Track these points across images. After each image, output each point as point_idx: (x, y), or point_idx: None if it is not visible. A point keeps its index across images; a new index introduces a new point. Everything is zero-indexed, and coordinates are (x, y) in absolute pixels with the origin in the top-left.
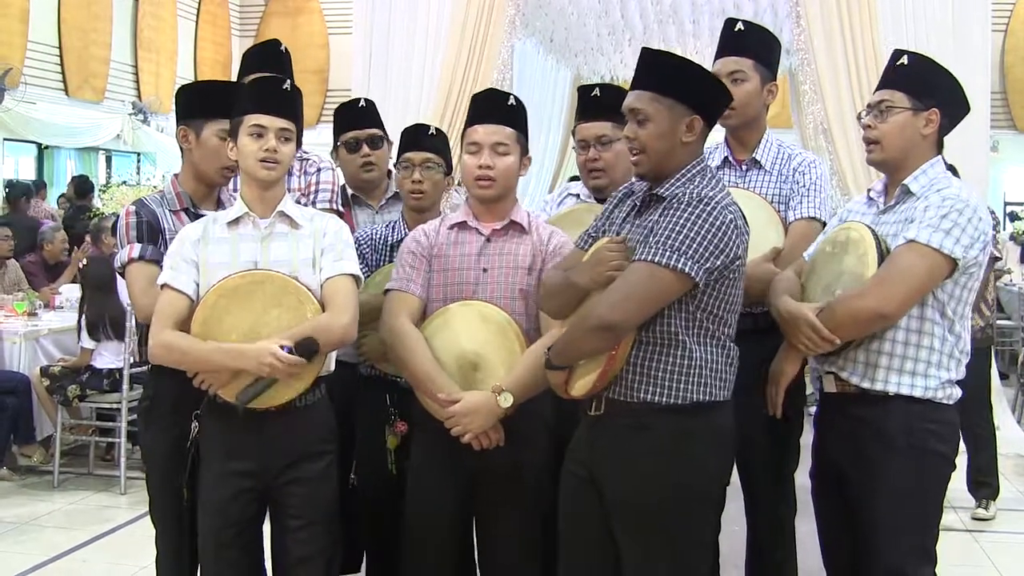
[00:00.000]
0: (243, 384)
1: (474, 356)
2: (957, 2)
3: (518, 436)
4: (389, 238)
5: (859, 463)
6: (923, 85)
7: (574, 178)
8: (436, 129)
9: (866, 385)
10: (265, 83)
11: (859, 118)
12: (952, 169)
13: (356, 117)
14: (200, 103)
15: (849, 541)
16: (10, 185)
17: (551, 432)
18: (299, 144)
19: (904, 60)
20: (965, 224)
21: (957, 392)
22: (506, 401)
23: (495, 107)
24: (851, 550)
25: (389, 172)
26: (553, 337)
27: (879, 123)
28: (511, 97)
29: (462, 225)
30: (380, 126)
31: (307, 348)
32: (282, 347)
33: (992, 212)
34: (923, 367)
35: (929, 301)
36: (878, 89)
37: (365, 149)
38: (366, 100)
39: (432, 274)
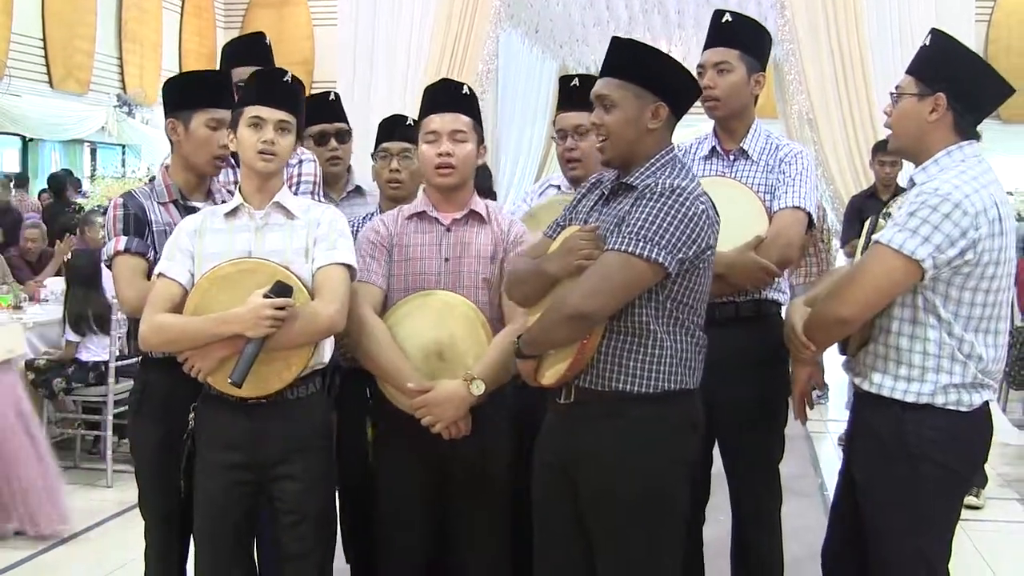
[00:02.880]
0: (229, 369)
1: (439, 345)
2: None
3: (485, 425)
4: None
5: (857, 463)
6: (930, 69)
7: None
8: (414, 120)
9: (865, 387)
10: (266, 75)
11: None
12: None
13: (326, 110)
14: (187, 94)
15: (854, 537)
16: (53, 178)
17: (514, 420)
18: (299, 136)
19: (926, 41)
20: (939, 221)
21: (971, 397)
22: (478, 389)
23: (450, 96)
24: (853, 545)
25: (348, 167)
26: (519, 324)
27: (893, 110)
28: (464, 86)
29: (421, 215)
30: (346, 120)
31: (282, 289)
32: (265, 297)
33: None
34: (918, 372)
35: (920, 303)
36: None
37: (333, 143)
38: (335, 93)
39: (393, 264)
